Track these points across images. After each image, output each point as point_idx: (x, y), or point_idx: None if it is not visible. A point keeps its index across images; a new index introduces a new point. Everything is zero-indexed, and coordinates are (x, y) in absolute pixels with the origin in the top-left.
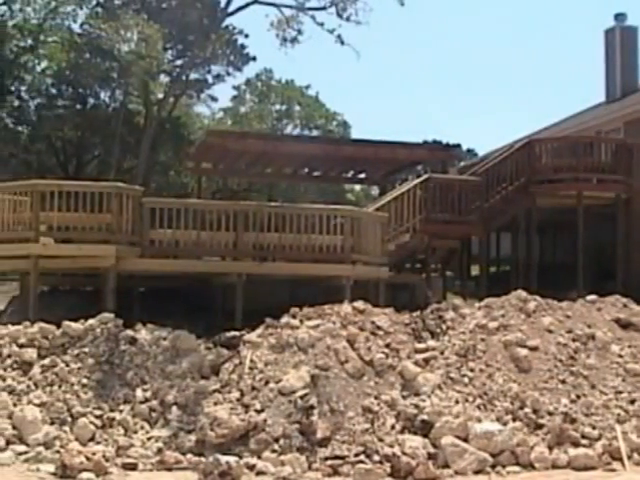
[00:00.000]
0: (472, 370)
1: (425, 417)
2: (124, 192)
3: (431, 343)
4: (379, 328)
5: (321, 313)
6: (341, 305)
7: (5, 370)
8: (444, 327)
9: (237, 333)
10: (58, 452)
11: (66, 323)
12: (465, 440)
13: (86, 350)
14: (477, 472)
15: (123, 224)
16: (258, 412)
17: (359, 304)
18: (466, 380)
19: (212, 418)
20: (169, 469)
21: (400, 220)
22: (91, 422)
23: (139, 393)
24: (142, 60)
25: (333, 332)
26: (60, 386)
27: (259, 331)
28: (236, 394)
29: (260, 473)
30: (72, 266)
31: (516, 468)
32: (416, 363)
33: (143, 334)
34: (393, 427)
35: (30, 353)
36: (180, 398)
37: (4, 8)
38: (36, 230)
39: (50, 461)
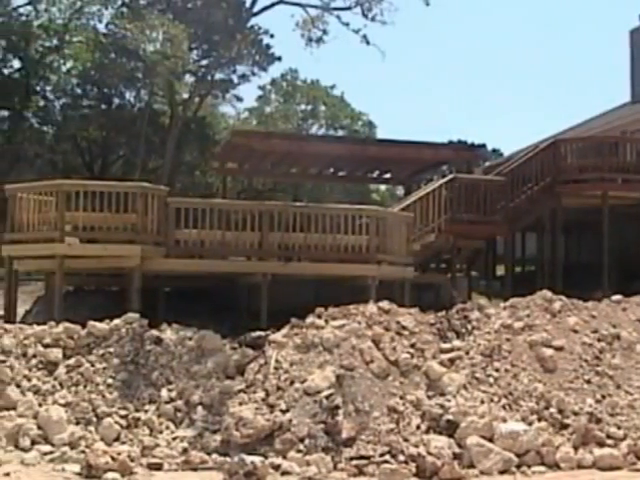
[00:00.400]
0: (497, 370)
1: (450, 417)
2: (149, 192)
3: (456, 343)
4: (404, 328)
5: (346, 313)
6: (366, 305)
7: (30, 370)
8: (469, 327)
9: (262, 333)
10: (83, 452)
11: (91, 323)
12: (490, 440)
13: (111, 350)
14: (502, 472)
15: (148, 224)
16: (283, 412)
17: (384, 304)
18: (491, 380)
19: (237, 418)
20: (194, 469)
21: (425, 220)
22: (116, 422)
23: (164, 393)
24: (167, 60)
25: (358, 332)
26: (85, 386)
27: (284, 331)
28: (261, 394)
29: (285, 473)
30: (97, 266)
31: (541, 468)
32: (441, 363)
33: (168, 334)
34: (418, 427)
35: (55, 353)
36: (205, 398)
37: (29, 8)
38: (61, 230)
39: (75, 461)
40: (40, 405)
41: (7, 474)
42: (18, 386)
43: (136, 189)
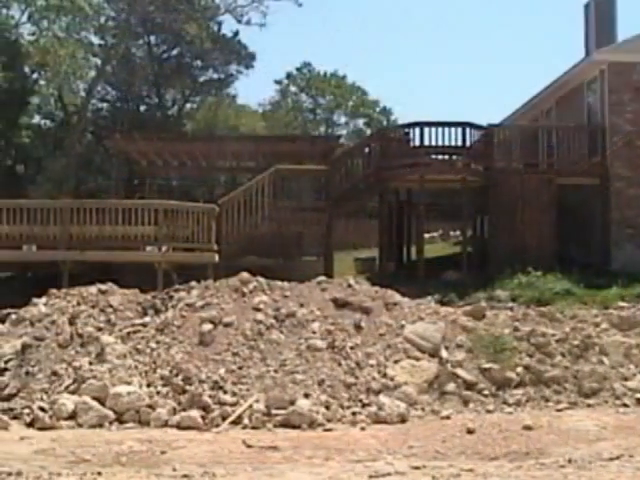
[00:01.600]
0: (158, 342)
1: (93, 380)
2: None
3: (147, 319)
4: (110, 306)
5: (67, 293)
6: (89, 287)
7: None
8: (169, 305)
9: (12, 310)
10: None
11: None
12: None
13: None
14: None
15: None
16: None
17: (105, 286)
18: (148, 351)
19: None
20: None
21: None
22: None
23: None
24: None
25: (63, 309)
26: None
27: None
28: None
29: None
30: None
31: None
32: (118, 336)
33: None
34: (67, 387)
35: None
36: None
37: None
38: None
39: None
40: None
41: None
42: None
43: None
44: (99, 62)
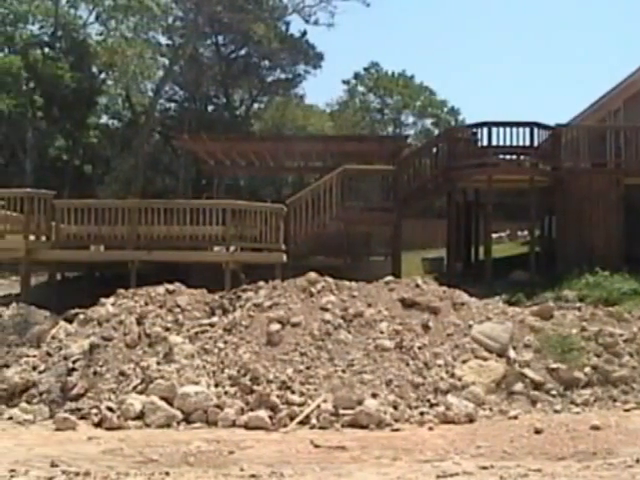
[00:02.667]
0: (225, 342)
1: (161, 380)
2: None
3: (215, 319)
4: (178, 306)
5: (135, 293)
6: (157, 287)
7: None
8: (236, 305)
9: (80, 310)
10: None
11: None
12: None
13: None
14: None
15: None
16: (40, 373)
17: (172, 286)
18: (216, 351)
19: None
20: None
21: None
22: None
23: None
24: None
25: (131, 309)
26: None
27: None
28: (34, 358)
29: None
30: None
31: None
32: (186, 336)
33: (8, 311)
34: (135, 387)
35: None
36: (10, 361)
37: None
38: None
39: None
40: None
41: None
42: None
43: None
44: (167, 62)
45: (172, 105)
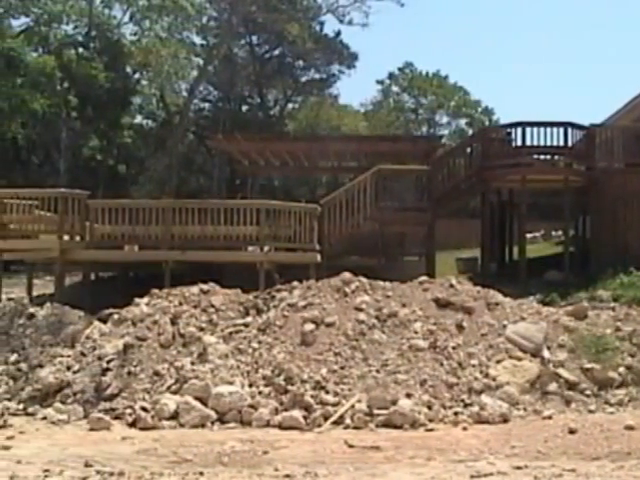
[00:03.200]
0: (260, 342)
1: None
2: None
3: (249, 319)
4: (212, 306)
5: (169, 293)
6: (191, 287)
7: None
8: (270, 305)
9: (114, 310)
10: None
11: None
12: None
13: None
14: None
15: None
16: (75, 372)
17: (206, 286)
18: (250, 351)
19: (37, 377)
20: None
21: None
22: None
23: (13, 357)
24: None
25: (165, 309)
26: None
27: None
28: (68, 358)
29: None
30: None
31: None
32: (220, 336)
33: (42, 311)
34: (169, 387)
35: None
36: (44, 361)
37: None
38: None
39: None
40: None
41: None
42: None
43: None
44: (201, 62)
45: (206, 105)
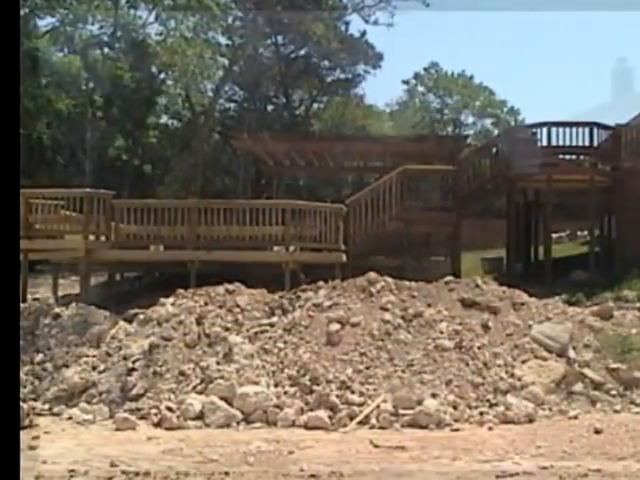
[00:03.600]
0: (285, 342)
1: (220, 380)
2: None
3: (274, 319)
4: (237, 306)
5: (195, 293)
6: (217, 287)
7: None
8: (296, 305)
9: (139, 310)
10: None
11: None
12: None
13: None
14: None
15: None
16: (100, 373)
17: (232, 286)
18: (275, 351)
19: (62, 377)
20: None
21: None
22: None
23: (39, 357)
24: None
25: (191, 309)
26: None
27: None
28: (93, 358)
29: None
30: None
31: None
32: (246, 336)
33: (67, 311)
34: (194, 387)
35: None
36: (70, 361)
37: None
38: None
39: None
40: None
41: None
42: None
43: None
44: (226, 62)
45: (231, 105)
